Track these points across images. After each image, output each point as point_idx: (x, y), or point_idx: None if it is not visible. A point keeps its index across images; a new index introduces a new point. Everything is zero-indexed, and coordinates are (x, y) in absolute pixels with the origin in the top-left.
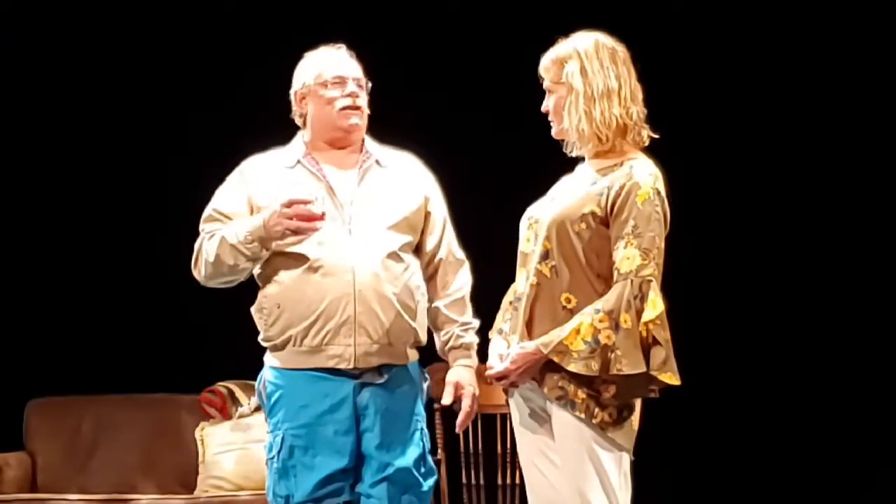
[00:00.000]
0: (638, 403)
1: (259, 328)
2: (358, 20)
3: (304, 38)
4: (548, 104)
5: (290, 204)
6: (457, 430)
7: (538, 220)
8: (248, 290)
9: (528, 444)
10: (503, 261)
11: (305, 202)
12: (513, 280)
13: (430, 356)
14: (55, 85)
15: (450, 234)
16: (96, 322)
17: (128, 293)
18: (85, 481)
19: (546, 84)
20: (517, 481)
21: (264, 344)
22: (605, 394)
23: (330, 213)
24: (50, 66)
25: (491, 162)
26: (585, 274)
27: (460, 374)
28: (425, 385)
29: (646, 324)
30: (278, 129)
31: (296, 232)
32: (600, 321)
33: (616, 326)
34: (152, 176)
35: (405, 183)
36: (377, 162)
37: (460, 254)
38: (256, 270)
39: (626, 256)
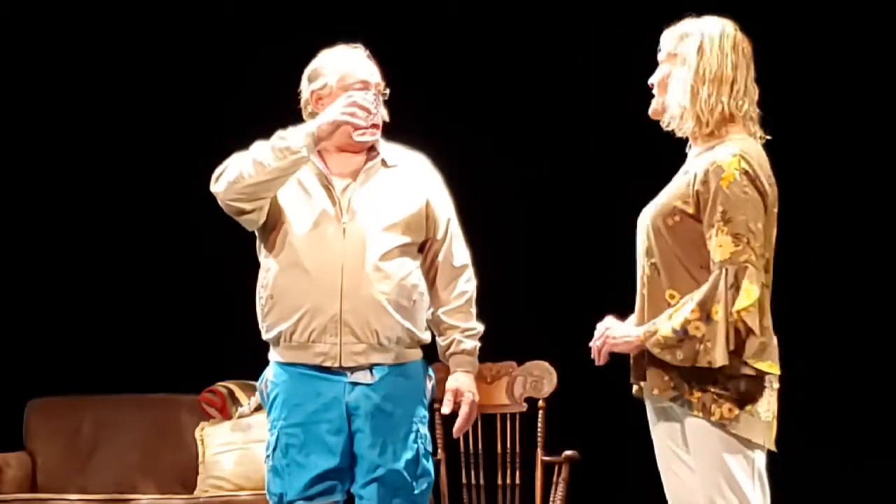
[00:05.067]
0: (766, 393)
1: (258, 317)
2: (365, 18)
3: (305, 37)
4: (655, 76)
5: (349, 95)
6: (454, 435)
7: (642, 218)
8: (248, 290)
9: (662, 448)
10: (510, 263)
11: (367, 100)
12: (516, 281)
13: (431, 356)
14: (56, 83)
15: (452, 239)
16: (96, 322)
17: (128, 293)
18: (85, 481)
19: (660, 55)
20: (517, 481)
21: (263, 335)
22: (732, 391)
23: (327, 211)
24: (51, 62)
25: (499, 163)
26: (686, 268)
27: (460, 381)
28: (429, 385)
29: (738, 312)
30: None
31: (347, 122)
32: (692, 312)
33: (707, 318)
34: (152, 176)
35: (408, 184)
36: (383, 161)
37: (461, 260)
38: (260, 258)
39: (718, 245)
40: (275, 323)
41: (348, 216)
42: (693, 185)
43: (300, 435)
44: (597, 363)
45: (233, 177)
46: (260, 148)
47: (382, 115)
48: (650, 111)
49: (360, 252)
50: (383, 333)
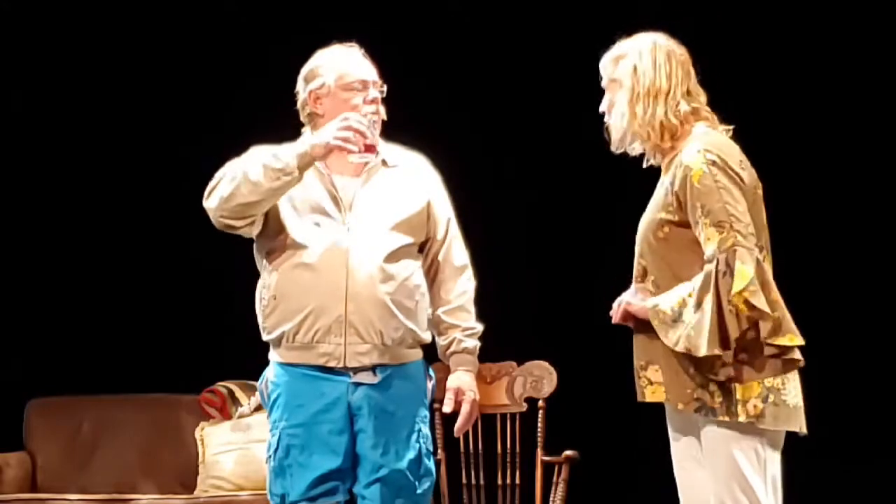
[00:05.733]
0: (789, 380)
1: (258, 319)
2: (362, 18)
3: (302, 38)
4: (603, 104)
5: (345, 118)
6: (455, 434)
7: (637, 237)
8: (248, 290)
9: (677, 447)
10: (510, 263)
11: (361, 122)
12: (516, 281)
13: (432, 356)
14: (58, 87)
15: (451, 239)
16: (96, 322)
17: (128, 293)
18: (85, 481)
19: (603, 82)
20: (517, 481)
21: (263, 336)
22: (723, 376)
23: (330, 212)
24: (54, 58)
25: (499, 163)
26: (681, 279)
27: (461, 380)
28: (430, 384)
29: (738, 294)
30: (281, 126)
31: (340, 147)
32: (689, 295)
33: (698, 306)
34: (152, 176)
35: (409, 184)
36: (384, 162)
37: (461, 260)
38: (258, 262)
39: (706, 238)
40: (277, 323)
41: (352, 216)
42: (671, 193)
43: (302, 435)
44: (613, 321)
45: (225, 193)
46: (253, 166)
47: (376, 137)
48: (609, 140)
49: (364, 252)
50: (387, 334)
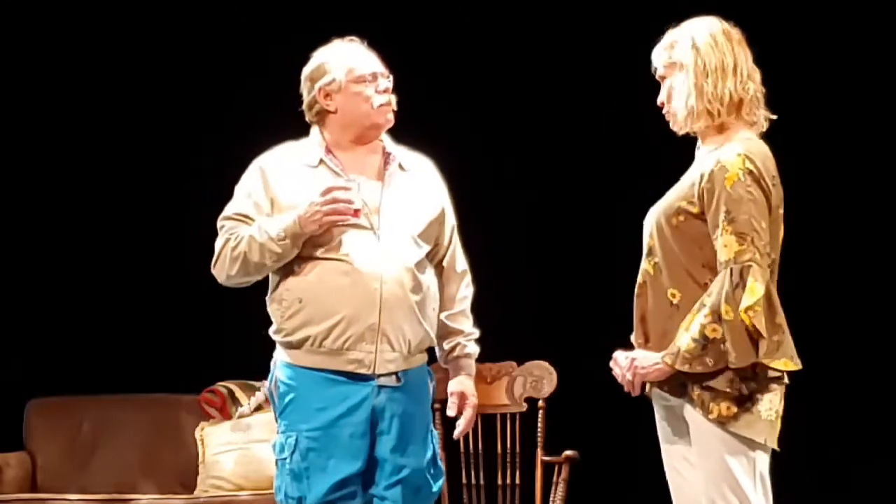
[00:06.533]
0: (766, 394)
1: (273, 319)
2: (365, 17)
3: (302, 38)
4: (661, 94)
5: (328, 191)
6: (454, 437)
7: (648, 217)
8: (250, 290)
9: (667, 445)
10: (511, 263)
11: (345, 188)
12: (516, 281)
13: (430, 357)
14: (59, 88)
15: (455, 245)
16: (96, 322)
17: (128, 293)
18: (85, 481)
19: (659, 72)
20: (517, 481)
21: (277, 337)
22: (736, 389)
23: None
24: (54, 58)
25: (499, 162)
26: (685, 268)
27: (464, 384)
28: (432, 385)
29: (745, 311)
30: (281, 126)
31: (332, 221)
32: (706, 317)
33: (719, 318)
34: (153, 176)
35: (426, 190)
36: (400, 166)
37: (463, 265)
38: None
39: (723, 245)
40: (301, 326)
41: (379, 222)
42: (698, 186)
43: (322, 439)
44: (633, 394)
45: (232, 271)
46: (252, 245)
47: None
48: (671, 125)
49: (396, 260)
50: (414, 343)
